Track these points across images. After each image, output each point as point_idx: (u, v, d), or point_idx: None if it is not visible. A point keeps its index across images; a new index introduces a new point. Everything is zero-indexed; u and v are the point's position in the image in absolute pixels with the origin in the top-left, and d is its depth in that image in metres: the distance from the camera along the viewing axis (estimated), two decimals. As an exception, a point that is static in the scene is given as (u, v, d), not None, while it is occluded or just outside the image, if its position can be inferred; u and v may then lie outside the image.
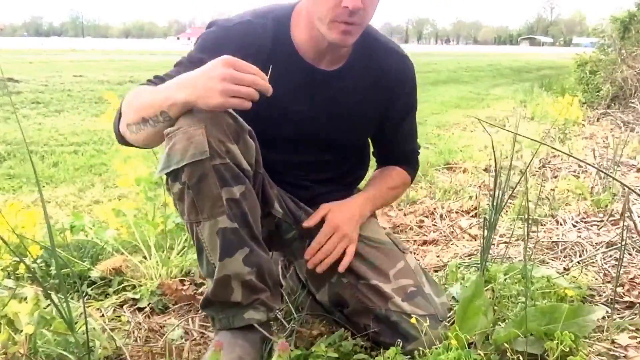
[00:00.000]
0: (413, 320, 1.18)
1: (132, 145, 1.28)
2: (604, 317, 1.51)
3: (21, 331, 1.19)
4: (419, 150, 1.62)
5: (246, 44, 1.27)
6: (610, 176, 2.57)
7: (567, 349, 1.13)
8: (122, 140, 1.28)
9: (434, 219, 2.56)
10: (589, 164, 3.09)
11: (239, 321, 1.26)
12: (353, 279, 1.37)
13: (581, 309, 1.25)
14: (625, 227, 1.73)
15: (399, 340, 1.23)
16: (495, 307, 1.48)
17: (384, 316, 1.31)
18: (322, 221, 1.38)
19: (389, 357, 1.19)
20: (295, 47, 1.32)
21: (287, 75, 1.27)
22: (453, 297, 1.63)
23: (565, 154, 1.52)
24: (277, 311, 1.34)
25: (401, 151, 1.57)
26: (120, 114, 1.24)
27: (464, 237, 2.32)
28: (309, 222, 1.36)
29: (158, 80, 1.26)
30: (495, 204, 1.70)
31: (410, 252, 2.11)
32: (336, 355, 1.30)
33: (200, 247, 1.21)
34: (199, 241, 1.20)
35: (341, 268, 1.34)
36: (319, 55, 1.32)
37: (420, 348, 1.20)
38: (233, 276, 1.20)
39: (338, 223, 1.34)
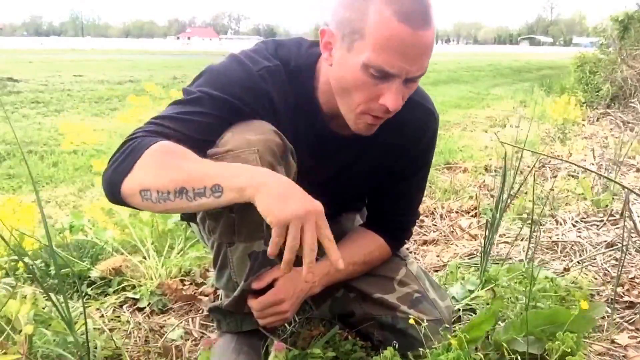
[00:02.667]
0: (412, 321, 1.18)
1: (126, 205, 1.05)
2: (603, 317, 1.51)
3: (20, 331, 1.19)
4: (416, 220, 1.43)
5: (275, 96, 1.12)
6: (609, 179, 2.57)
7: (568, 349, 1.13)
8: (117, 199, 1.03)
9: (434, 218, 2.56)
10: (590, 170, 3.08)
11: (247, 325, 1.26)
12: (359, 294, 1.35)
13: (582, 310, 1.24)
14: (625, 227, 1.73)
15: (395, 342, 1.22)
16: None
17: (390, 324, 1.30)
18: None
19: (386, 357, 1.19)
20: (317, 107, 1.17)
21: (306, 135, 1.17)
22: (453, 297, 1.63)
23: (575, 164, 1.52)
24: None
25: (392, 212, 1.36)
26: (124, 168, 1.00)
27: (464, 237, 2.32)
28: (258, 284, 1.18)
29: (168, 121, 1.06)
30: (499, 205, 1.70)
31: (411, 252, 2.12)
32: (334, 354, 1.30)
33: (225, 264, 1.17)
34: (225, 259, 1.16)
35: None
36: (336, 119, 1.17)
37: (421, 350, 1.20)
38: (251, 291, 1.20)
39: (282, 297, 1.19)
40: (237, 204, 1.00)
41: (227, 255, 1.15)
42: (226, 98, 1.08)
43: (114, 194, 1.01)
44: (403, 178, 1.31)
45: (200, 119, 1.07)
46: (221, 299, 1.29)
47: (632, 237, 2.07)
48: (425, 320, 1.21)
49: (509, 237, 2.25)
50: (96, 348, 1.29)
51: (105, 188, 1.03)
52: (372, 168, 1.28)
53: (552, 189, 2.88)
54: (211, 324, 1.54)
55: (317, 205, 0.95)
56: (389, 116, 1.08)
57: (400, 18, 0.97)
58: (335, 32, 1.05)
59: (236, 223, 1.10)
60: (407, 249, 2.14)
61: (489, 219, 1.81)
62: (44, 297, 1.35)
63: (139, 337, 1.46)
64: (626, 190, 1.71)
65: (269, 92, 1.11)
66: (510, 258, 1.99)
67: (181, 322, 1.54)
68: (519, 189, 2.31)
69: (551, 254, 2.09)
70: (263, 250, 1.13)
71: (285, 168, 1.11)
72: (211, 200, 0.97)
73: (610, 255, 2.01)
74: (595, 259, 1.99)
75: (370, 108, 1.06)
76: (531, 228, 1.87)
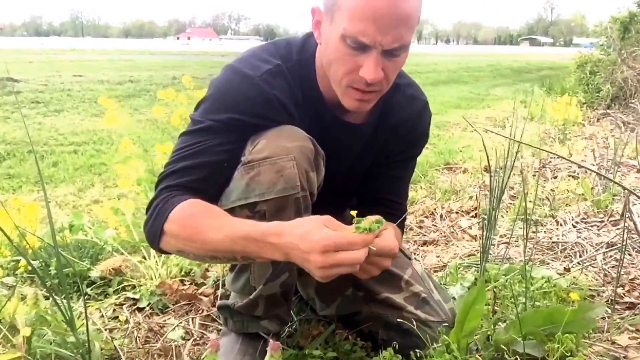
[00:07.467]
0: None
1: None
2: (603, 318, 1.51)
3: (19, 331, 1.19)
4: (406, 217, 1.39)
5: (283, 97, 1.10)
6: (610, 179, 2.57)
7: (568, 352, 1.13)
8: (161, 252, 1.12)
9: (434, 219, 2.56)
10: (589, 169, 3.08)
11: (252, 328, 1.27)
12: (367, 292, 1.34)
13: (581, 310, 1.24)
14: (625, 228, 1.72)
15: (395, 342, 1.22)
16: (496, 308, 1.48)
17: (396, 325, 1.29)
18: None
19: (386, 357, 1.19)
20: (322, 96, 1.16)
21: (316, 126, 1.16)
22: (453, 297, 1.63)
23: (574, 162, 1.52)
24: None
25: (390, 198, 1.33)
26: (155, 231, 1.05)
27: (464, 238, 2.31)
28: None
29: (183, 171, 1.07)
30: (493, 202, 1.70)
31: (411, 252, 2.12)
32: (334, 354, 1.30)
33: (244, 269, 1.18)
34: (247, 265, 1.17)
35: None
36: (342, 106, 1.14)
37: (418, 350, 1.19)
38: (265, 296, 1.21)
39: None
40: (268, 212, 1.05)
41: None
42: (237, 118, 1.07)
43: (156, 249, 1.09)
44: (397, 160, 1.32)
45: (217, 153, 1.07)
46: (230, 299, 1.29)
47: (632, 237, 2.07)
48: (431, 322, 1.21)
49: (509, 237, 2.25)
50: (96, 348, 1.29)
51: (148, 242, 1.10)
52: (377, 155, 1.29)
53: (552, 190, 2.88)
54: (211, 324, 1.54)
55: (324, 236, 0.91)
56: (374, 90, 1.05)
57: None
58: (323, 9, 1.05)
59: None
60: (408, 249, 2.14)
61: (485, 217, 1.81)
62: (45, 296, 1.35)
63: (138, 337, 1.46)
64: (626, 191, 1.71)
65: (276, 95, 1.09)
66: (510, 258, 1.99)
67: (181, 322, 1.54)
68: (508, 187, 2.30)
69: (551, 254, 2.09)
70: None
71: (317, 174, 1.11)
72: (246, 262, 1.05)
73: (610, 256, 2.01)
74: (595, 259, 1.98)
75: (352, 80, 1.04)
76: (528, 227, 1.87)
